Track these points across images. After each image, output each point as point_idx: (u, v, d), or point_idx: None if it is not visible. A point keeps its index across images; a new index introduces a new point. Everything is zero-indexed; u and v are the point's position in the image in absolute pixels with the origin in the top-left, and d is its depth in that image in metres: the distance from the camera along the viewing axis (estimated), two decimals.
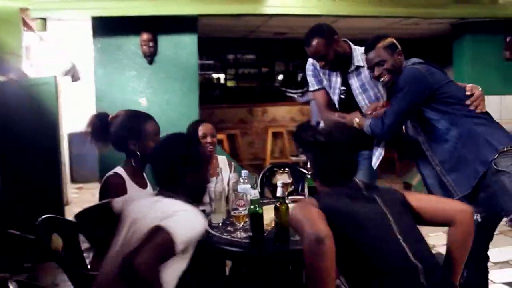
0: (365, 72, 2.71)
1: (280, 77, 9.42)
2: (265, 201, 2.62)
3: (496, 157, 2.16)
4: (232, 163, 2.64)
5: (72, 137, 6.66)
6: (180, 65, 4.81)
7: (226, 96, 8.61)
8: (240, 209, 2.06)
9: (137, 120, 2.30)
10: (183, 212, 1.58)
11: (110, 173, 2.27)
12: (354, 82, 2.76)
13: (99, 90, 4.65)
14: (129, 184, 2.25)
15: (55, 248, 2.07)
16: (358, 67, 2.74)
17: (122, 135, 2.28)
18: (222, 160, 3.08)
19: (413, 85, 2.35)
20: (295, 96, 8.09)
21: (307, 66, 2.94)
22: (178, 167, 1.74)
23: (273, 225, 2.07)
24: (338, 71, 2.78)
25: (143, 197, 1.82)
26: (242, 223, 2.07)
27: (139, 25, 4.61)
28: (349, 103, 2.80)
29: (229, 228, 2.16)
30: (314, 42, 2.61)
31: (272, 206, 1.97)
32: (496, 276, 3.35)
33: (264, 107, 7.30)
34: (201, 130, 2.89)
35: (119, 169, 2.29)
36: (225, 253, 2.00)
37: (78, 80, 6.29)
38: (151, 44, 4.67)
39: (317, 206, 1.51)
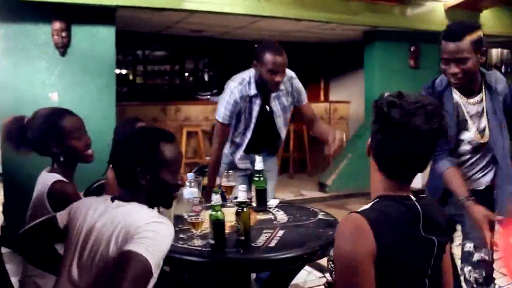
0: (284, 96, 2.85)
1: (186, 74, 9.28)
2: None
3: None
4: None
5: None
6: (96, 58, 4.46)
7: (134, 93, 8.23)
8: (197, 215, 1.93)
9: (53, 119, 2.03)
10: (151, 225, 1.39)
11: (52, 180, 1.97)
12: (275, 105, 2.85)
13: (2, 82, 4.14)
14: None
15: None
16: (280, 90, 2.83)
17: (40, 138, 2.01)
18: None
19: None
20: (207, 97, 8.01)
21: (228, 99, 2.77)
22: (133, 166, 1.50)
23: (227, 230, 1.98)
24: (261, 97, 2.80)
25: (95, 203, 1.58)
26: (199, 230, 1.94)
27: (50, 12, 4.19)
28: (265, 125, 2.87)
29: (181, 236, 2.01)
30: (284, 54, 2.65)
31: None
32: None
33: (177, 105, 7.08)
34: None
35: (57, 176, 2.00)
36: (182, 263, 1.85)
37: None
38: (64, 34, 4.27)
39: (368, 228, 1.26)
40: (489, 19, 6.13)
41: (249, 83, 2.77)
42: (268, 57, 2.60)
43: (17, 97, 4.10)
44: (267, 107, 2.84)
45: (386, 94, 1.37)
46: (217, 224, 1.81)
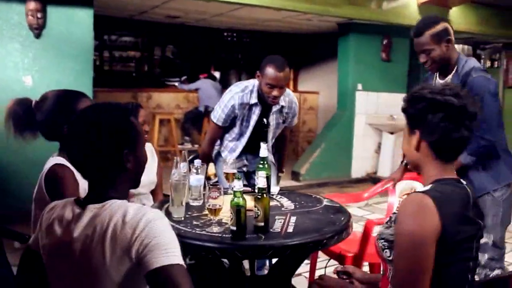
0: (282, 114, 2.93)
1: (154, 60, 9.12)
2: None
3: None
4: (183, 152, 2.44)
5: None
6: (73, 41, 4.31)
7: (102, 79, 7.98)
8: (215, 201, 1.91)
9: (67, 101, 1.95)
10: (155, 225, 1.19)
11: (52, 163, 1.90)
12: (272, 120, 2.91)
13: None
14: (78, 176, 1.92)
15: None
16: (281, 107, 2.89)
17: (53, 121, 1.92)
18: (148, 148, 2.84)
19: (494, 95, 2.34)
20: (176, 84, 7.89)
21: (227, 102, 2.81)
22: (120, 149, 1.29)
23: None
24: (260, 107, 2.83)
25: (56, 214, 1.32)
26: (217, 217, 1.92)
27: None
28: (258, 133, 2.91)
29: (195, 222, 1.99)
30: (287, 71, 2.68)
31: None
32: None
33: (148, 92, 6.95)
34: (141, 116, 2.61)
35: (59, 159, 1.93)
36: (203, 249, 1.83)
37: None
38: (39, 15, 4.09)
39: (435, 210, 1.31)
40: (457, 16, 6.36)
41: (251, 91, 2.81)
42: (269, 70, 2.65)
43: None
44: (264, 120, 2.89)
45: (417, 87, 1.47)
46: (239, 210, 1.80)
